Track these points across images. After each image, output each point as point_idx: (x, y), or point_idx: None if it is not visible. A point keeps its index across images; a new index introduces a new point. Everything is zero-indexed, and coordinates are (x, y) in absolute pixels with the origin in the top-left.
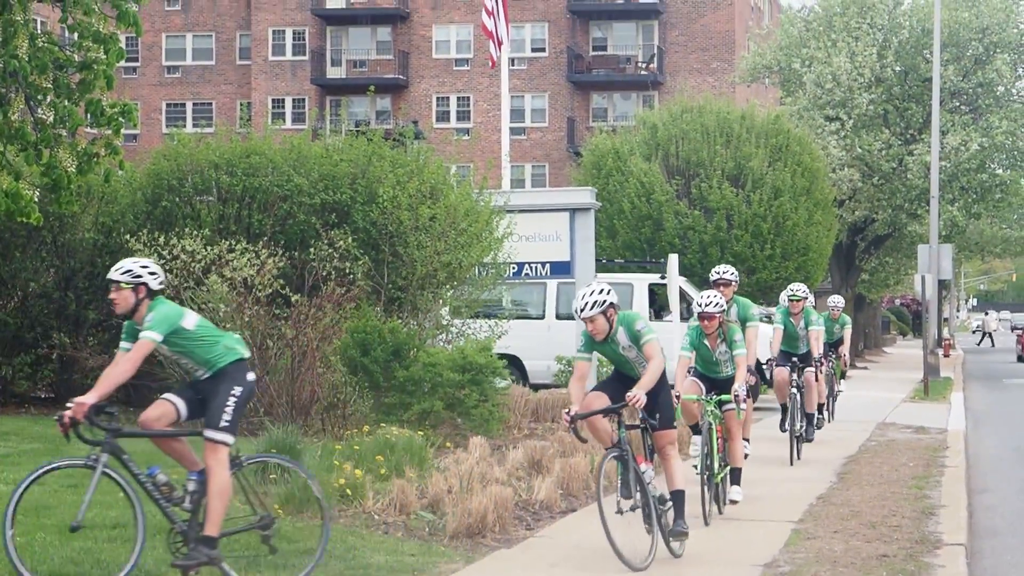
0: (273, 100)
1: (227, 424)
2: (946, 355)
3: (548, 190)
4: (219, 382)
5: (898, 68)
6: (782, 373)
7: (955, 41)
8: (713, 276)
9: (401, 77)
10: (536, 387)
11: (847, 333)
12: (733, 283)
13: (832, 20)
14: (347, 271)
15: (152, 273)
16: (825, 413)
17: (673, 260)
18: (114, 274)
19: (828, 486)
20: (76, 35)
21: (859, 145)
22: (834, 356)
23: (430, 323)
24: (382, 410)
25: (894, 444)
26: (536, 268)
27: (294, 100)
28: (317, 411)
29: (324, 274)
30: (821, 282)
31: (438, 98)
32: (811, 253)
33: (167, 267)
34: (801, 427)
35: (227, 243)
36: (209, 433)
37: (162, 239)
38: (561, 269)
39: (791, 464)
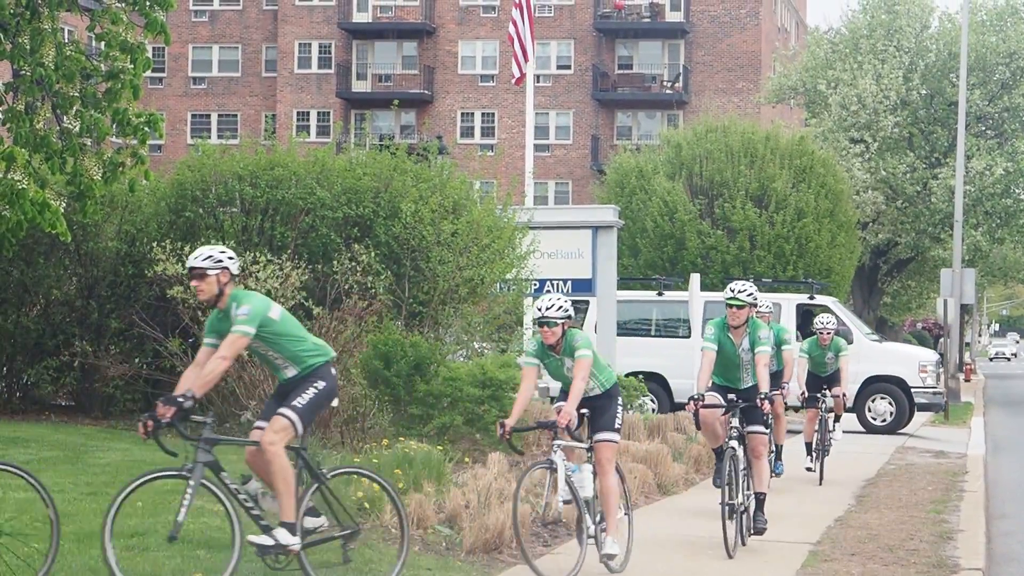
0: (298, 113)
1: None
2: (967, 380)
3: (571, 207)
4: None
5: (924, 91)
6: (710, 414)
7: (982, 65)
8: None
9: (426, 92)
10: (680, 406)
11: (844, 364)
12: (562, 323)
13: (859, 42)
14: (369, 285)
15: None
16: (815, 465)
17: (695, 280)
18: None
19: (846, 508)
20: (103, 44)
21: (883, 168)
22: (825, 396)
23: (451, 338)
24: (401, 424)
25: (913, 468)
26: (558, 285)
27: (319, 113)
28: (336, 424)
29: (346, 288)
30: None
31: (463, 113)
32: (834, 275)
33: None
34: (745, 500)
35: (251, 255)
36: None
37: (187, 248)
38: (583, 287)
39: (729, 557)
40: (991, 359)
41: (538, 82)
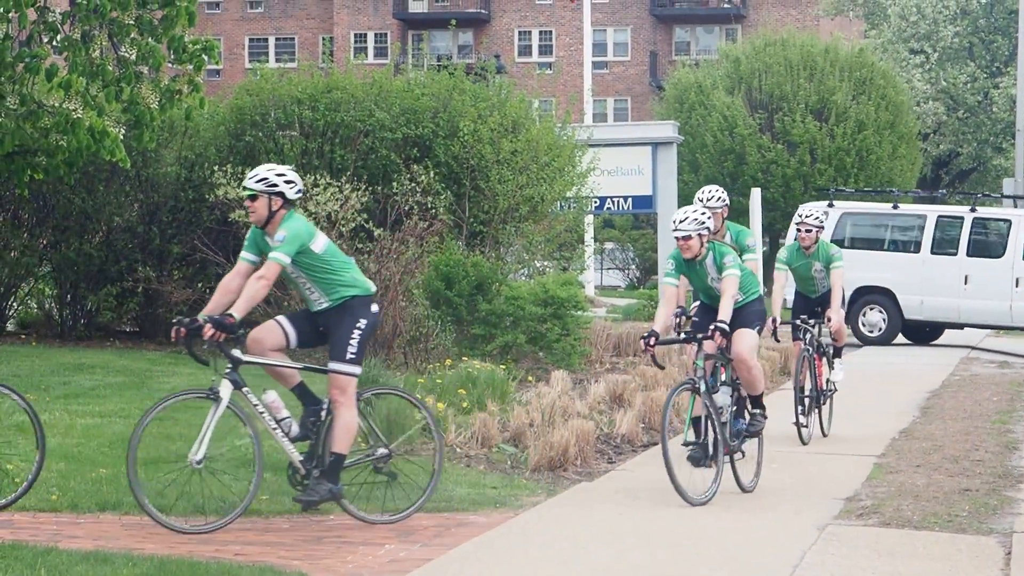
0: (355, 35)
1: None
2: None
3: (630, 124)
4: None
5: (984, 0)
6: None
7: None
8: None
9: (483, 11)
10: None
11: (837, 278)
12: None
13: None
14: (429, 205)
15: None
16: (809, 419)
17: (756, 195)
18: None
19: (911, 420)
20: None
21: (944, 78)
22: (810, 325)
23: (512, 257)
24: (464, 344)
25: (977, 379)
26: (618, 202)
27: (376, 35)
28: (399, 344)
29: (406, 208)
30: None
31: (520, 32)
32: (894, 187)
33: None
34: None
35: (311, 178)
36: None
37: (247, 172)
38: (643, 203)
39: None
40: None
41: None
